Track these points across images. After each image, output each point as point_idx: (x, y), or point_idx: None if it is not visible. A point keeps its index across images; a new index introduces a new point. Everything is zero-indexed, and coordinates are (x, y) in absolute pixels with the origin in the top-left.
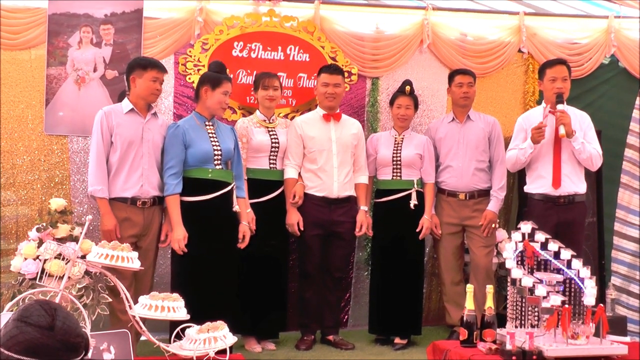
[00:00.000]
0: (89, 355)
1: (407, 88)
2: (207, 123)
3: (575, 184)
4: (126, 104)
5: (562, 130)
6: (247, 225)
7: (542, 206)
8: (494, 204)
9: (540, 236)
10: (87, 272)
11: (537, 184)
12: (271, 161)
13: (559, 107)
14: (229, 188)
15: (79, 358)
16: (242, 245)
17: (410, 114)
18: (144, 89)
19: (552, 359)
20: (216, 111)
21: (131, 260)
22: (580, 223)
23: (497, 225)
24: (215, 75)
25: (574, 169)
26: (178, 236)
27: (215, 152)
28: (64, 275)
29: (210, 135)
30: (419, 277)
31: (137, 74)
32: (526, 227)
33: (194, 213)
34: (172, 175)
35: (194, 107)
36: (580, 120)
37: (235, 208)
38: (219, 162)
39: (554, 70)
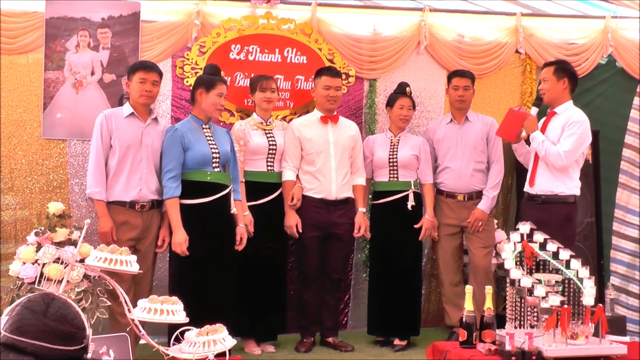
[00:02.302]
0: (89, 353)
1: (408, 89)
2: (204, 126)
3: (551, 184)
4: (127, 108)
5: (523, 132)
6: (244, 227)
7: (525, 204)
8: (484, 203)
9: (539, 236)
10: (85, 276)
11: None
12: (269, 163)
13: (532, 110)
14: (227, 190)
15: (73, 348)
16: (239, 248)
17: (412, 114)
18: (134, 91)
19: (552, 359)
20: (212, 113)
21: (130, 264)
22: (560, 224)
23: (497, 226)
24: (209, 78)
25: (552, 168)
26: (179, 240)
27: (214, 155)
28: (62, 279)
29: (208, 138)
30: (417, 278)
31: (130, 78)
32: (524, 227)
33: (193, 215)
34: (171, 178)
35: (191, 110)
36: (566, 120)
37: (233, 210)
38: (217, 164)
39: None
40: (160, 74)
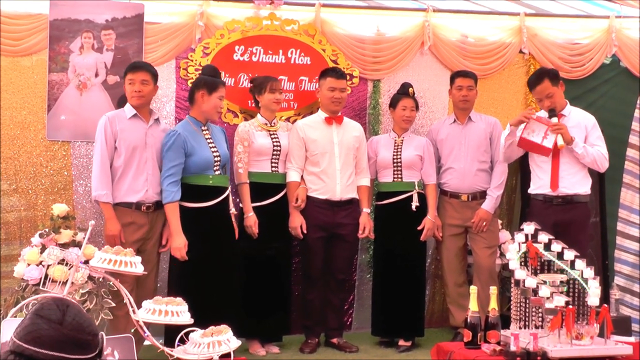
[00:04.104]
0: (103, 357)
1: (411, 90)
2: (203, 128)
3: (574, 185)
4: (129, 110)
5: (560, 141)
6: (235, 222)
7: (541, 206)
8: (488, 203)
9: (544, 237)
10: (90, 278)
11: (537, 184)
12: (273, 164)
13: (553, 120)
14: (227, 193)
15: (89, 356)
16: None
17: (415, 115)
18: (127, 95)
19: None
20: (212, 115)
21: (134, 265)
22: (582, 224)
23: (501, 226)
24: (212, 80)
25: (574, 169)
26: (179, 244)
27: (215, 159)
28: (67, 281)
29: (208, 140)
30: (421, 279)
31: (124, 81)
32: (529, 228)
33: (195, 218)
34: (172, 182)
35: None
36: (585, 123)
37: (232, 211)
38: (218, 167)
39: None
40: (151, 72)
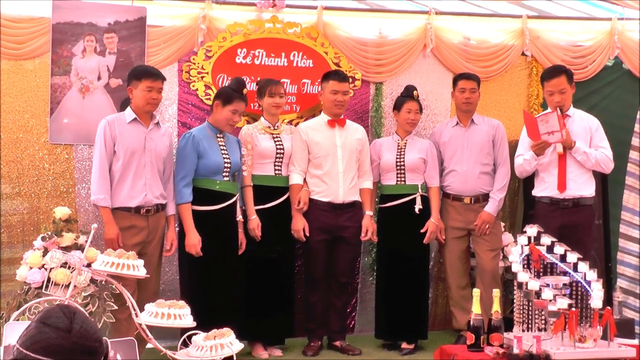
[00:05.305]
0: None
1: (415, 92)
2: (218, 135)
3: (581, 188)
4: (129, 113)
5: (559, 148)
6: (242, 232)
7: (547, 208)
8: (491, 205)
9: (546, 239)
10: (92, 281)
11: (543, 187)
12: (276, 167)
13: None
14: (234, 199)
15: None
16: (239, 251)
17: (419, 118)
18: (139, 99)
19: None
20: (223, 127)
21: (137, 268)
22: (587, 226)
23: (504, 229)
24: (229, 92)
25: (580, 172)
26: (193, 241)
27: (225, 165)
28: (69, 284)
29: (222, 147)
30: (424, 282)
31: (133, 84)
32: (532, 230)
33: (200, 221)
34: (186, 184)
35: (198, 114)
36: (590, 125)
37: (239, 218)
38: (227, 174)
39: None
40: (164, 80)
